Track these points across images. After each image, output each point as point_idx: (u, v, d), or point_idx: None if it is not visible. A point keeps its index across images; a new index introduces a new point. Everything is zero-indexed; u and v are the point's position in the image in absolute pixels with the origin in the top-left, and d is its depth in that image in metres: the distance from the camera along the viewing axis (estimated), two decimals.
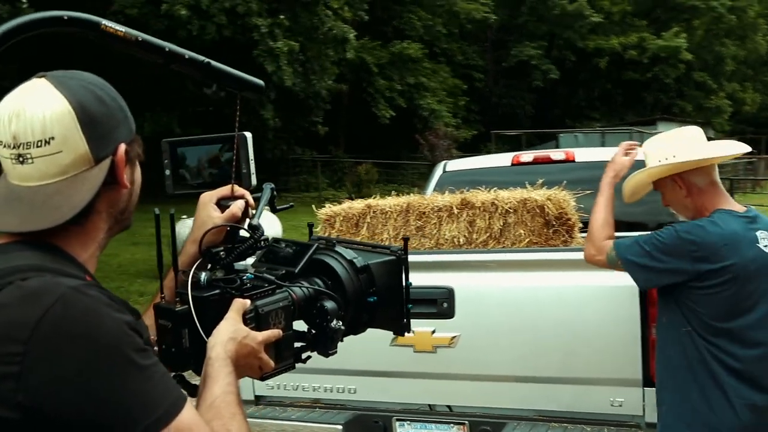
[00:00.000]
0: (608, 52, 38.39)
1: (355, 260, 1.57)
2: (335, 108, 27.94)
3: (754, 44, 43.14)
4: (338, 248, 1.60)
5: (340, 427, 3.33)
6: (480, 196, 3.60)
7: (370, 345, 3.01)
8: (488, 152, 23.44)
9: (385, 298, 1.60)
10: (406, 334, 1.67)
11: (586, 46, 38.48)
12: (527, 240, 3.47)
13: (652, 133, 30.62)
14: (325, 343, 1.49)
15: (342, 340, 1.57)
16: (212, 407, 1.23)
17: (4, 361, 1.04)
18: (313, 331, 1.51)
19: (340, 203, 3.85)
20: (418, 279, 3.38)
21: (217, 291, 1.39)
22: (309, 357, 1.53)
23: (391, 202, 3.74)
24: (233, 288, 1.40)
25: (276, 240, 1.64)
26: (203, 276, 1.40)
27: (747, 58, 44.07)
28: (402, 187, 21.68)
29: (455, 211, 3.56)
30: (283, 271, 1.52)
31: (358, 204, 3.77)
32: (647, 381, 2.99)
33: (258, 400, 3.60)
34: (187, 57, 1.48)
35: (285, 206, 1.89)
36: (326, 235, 3.87)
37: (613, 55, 38.52)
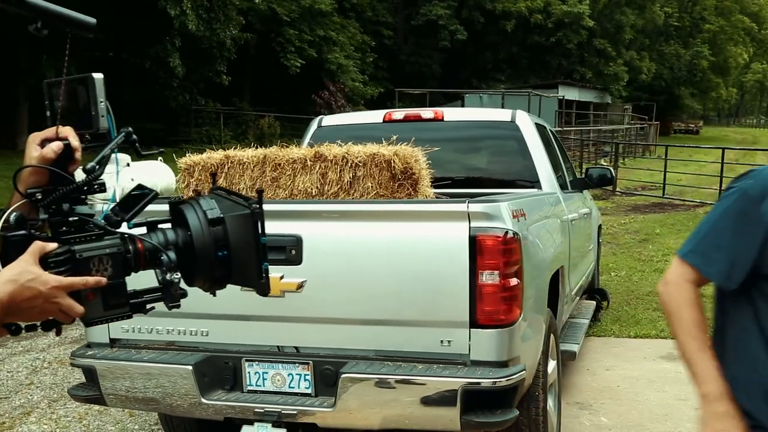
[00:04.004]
0: (515, 15, 39.07)
1: (209, 212, 1.52)
2: (241, 59, 27.43)
3: (652, 15, 44.83)
4: (201, 199, 1.56)
5: (190, 367, 3.47)
6: (333, 149, 3.77)
7: (222, 290, 3.16)
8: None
9: (240, 253, 1.54)
10: (267, 294, 1.58)
11: (494, 8, 39.02)
12: (374, 192, 3.67)
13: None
14: (165, 295, 1.48)
15: (214, 294, 1.58)
16: None
17: None
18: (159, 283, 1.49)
19: (200, 153, 3.94)
20: (269, 227, 3.56)
21: (23, 232, 1.38)
22: (153, 308, 1.50)
23: (249, 153, 3.86)
24: (36, 230, 1.39)
25: (140, 187, 1.60)
26: (13, 216, 1.39)
27: (645, 27, 45.77)
28: None
29: (309, 163, 3.72)
30: (119, 218, 1.50)
31: (217, 154, 3.87)
32: (473, 322, 3.27)
33: (113, 342, 3.70)
34: None
35: (152, 152, 1.90)
36: (185, 183, 3.97)
37: (520, 18, 39.25)
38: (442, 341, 3.32)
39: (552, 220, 4.51)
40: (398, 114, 5.49)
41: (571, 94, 35.80)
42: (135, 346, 3.69)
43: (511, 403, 3.32)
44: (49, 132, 1.51)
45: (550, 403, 4.05)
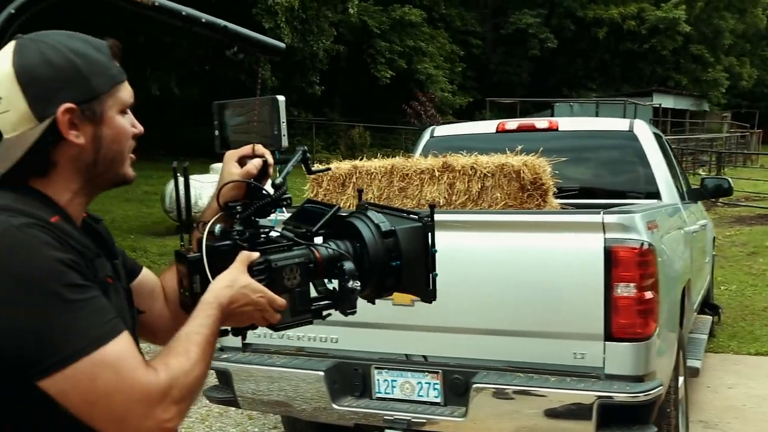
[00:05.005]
0: (607, 22, 38.27)
1: (381, 224, 1.61)
2: (332, 70, 27.88)
3: (754, 18, 42.99)
4: (369, 212, 1.65)
5: (321, 373, 3.54)
6: (461, 160, 3.79)
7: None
8: (483, 119, 23.55)
9: (411, 263, 1.63)
10: (432, 301, 1.67)
11: (585, 15, 38.34)
12: (503, 203, 3.67)
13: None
14: (344, 302, 1.55)
15: (374, 303, 1.66)
16: (169, 344, 1.32)
17: None
18: (336, 290, 1.57)
19: (328, 163, 4.03)
20: None
21: (229, 242, 1.47)
22: (329, 314, 1.58)
23: (377, 163, 3.93)
24: (244, 240, 1.49)
25: (310, 201, 1.72)
26: (217, 228, 1.49)
27: (745, 32, 43.94)
28: (395, 151, 21.79)
29: (437, 173, 3.75)
30: (304, 230, 1.59)
31: (345, 164, 3.96)
32: (608, 335, 3.21)
33: (245, 347, 3.82)
34: (204, 21, 1.53)
35: (322, 169, 1.96)
36: (314, 193, 4.07)
37: (612, 25, 38.41)
38: (575, 354, 3.28)
39: (678, 232, 4.40)
40: (511, 124, 5.48)
41: (667, 101, 34.74)
42: (266, 351, 3.80)
43: (648, 419, 3.24)
44: (246, 150, 1.62)
45: (680, 420, 3.94)
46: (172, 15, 1.49)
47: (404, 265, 1.62)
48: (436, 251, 1.65)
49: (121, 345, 1.23)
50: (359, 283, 1.54)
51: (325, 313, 1.57)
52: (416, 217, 1.67)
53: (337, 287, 1.57)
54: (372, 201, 4.21)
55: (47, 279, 1.19)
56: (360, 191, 2.01)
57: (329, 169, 1.99)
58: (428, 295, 1.67)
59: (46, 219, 1.27)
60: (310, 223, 1.61)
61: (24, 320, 1.18)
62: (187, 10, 1.50)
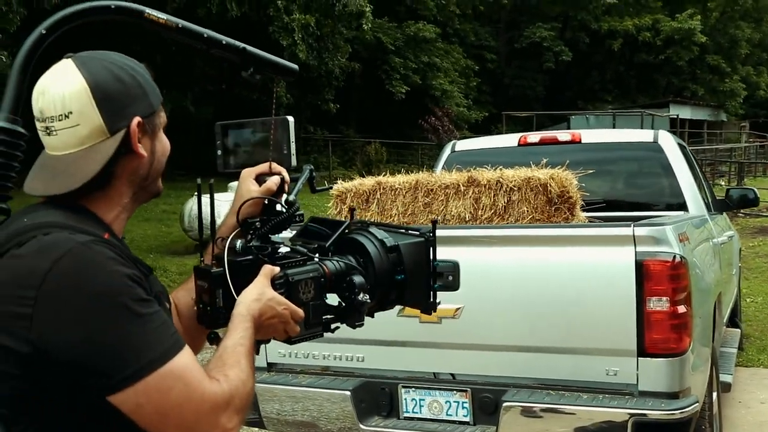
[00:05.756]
0: (622, 34, 38.15)
1: (385, 240, 1.66)
2: (347, 87, 27.97)
3: None
4: (372, 228, 1.69)
5: (348, 392, 3.49)
6: (486, 174, 3.74)
7: (378, 316, 3.16)
8: (499, 133, 23.48)
9: (414, 277, 1.68)
10: (432, 312, 1.73)
11: (600, 27, 38.25)
12: (530, 217, 3.62)
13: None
14: (352, 315, 1.58)
15: (373, 316, 1.66)
16: (219, 357, 1.36)
17: (21, 303, 1.20)
18: (343, 304, 1.59)
19: (351, 180, 4.00)
20: None
21: (250, 257, 1.51)
22: (338, 327, 1.61)
23: (401, 179, 3.89)
24: (264, 255, 1.51)
25: (314, 218, 1.75)
26: (238, 243, 1.53)
27: (762, 41, 43.66)
28: (412, 167, 21.77)
29: (462, 188, 3.71)
30: (316, 245, 1.63)
31: (369, 181, 3.92)
32: (641, 351, 3.14)
33: (270, 367, 3.77)
34: (224, 42, 1.58)
35: (324, 188, 2.00)
36: (337, 210, 4.03)
37: (627, 37, 38.29)
38: (607, 370, 3.21)
39: (708, 244, 4.32)
40: (534, 137, 5.43)
41: (684, 112, 34.56)
42: (291, 371, 3.76)
43: None
44: (262, 168, 1.67)
45: None
46: (195, 37, 1.54)
47: (408, 279, 1.66)
48: (437, 264, 1.71)
49: (186, 357, 1.27)
50: (368, 296, 1.57)
51: (333, 326, 1.61)
52: (418, 232, 1.73)
53: (342, 301, 1.59)
54: (391, 217, 4.19)
55: (118, 294, 1.22)
56: (352, 210, 2.03)
57: (331, 187, 2.01)
58: (429, 307, 1.73)
59: (101, 236, 1.30)
60: (316, 239, 1.66)
61: (96, 335, 1.20)
62: (208, 32, 1.56)
